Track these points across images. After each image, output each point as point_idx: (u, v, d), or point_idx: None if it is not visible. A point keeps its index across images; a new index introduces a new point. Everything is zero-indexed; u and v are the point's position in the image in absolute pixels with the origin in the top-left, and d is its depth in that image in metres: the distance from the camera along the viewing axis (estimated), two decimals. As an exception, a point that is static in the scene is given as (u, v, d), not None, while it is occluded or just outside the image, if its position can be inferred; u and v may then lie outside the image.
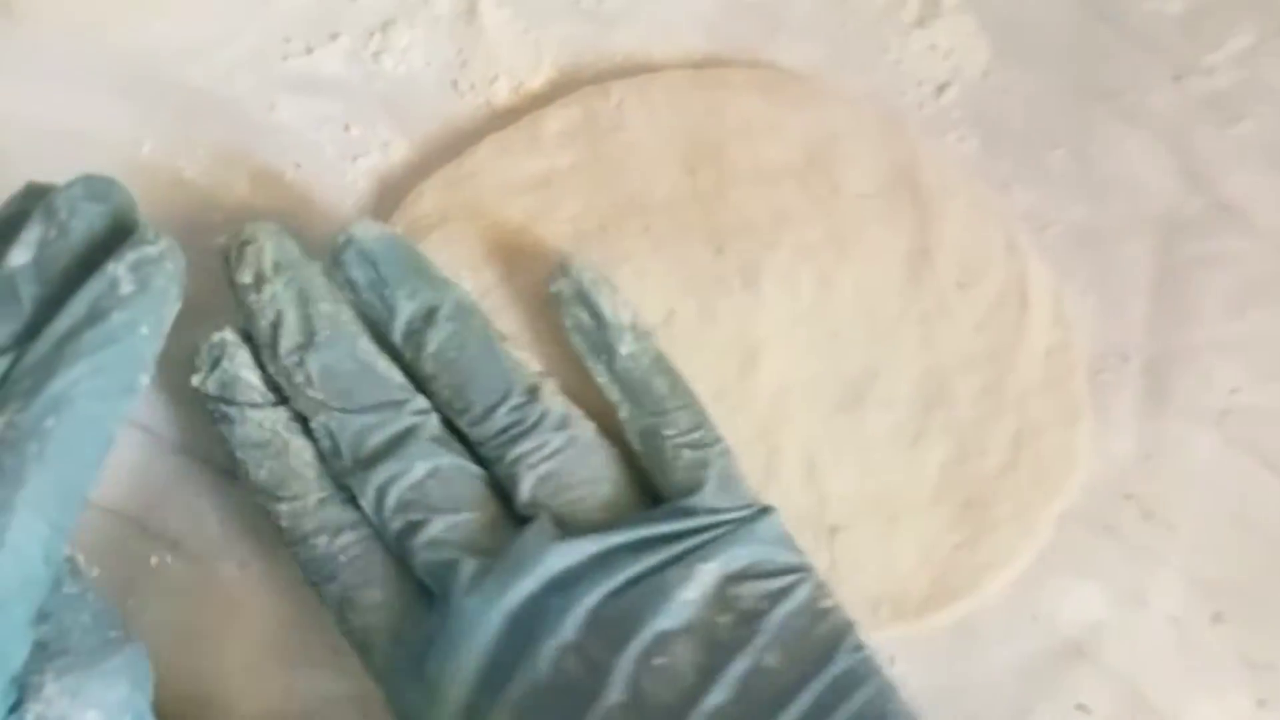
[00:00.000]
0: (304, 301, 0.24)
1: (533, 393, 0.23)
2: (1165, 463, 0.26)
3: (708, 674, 0.21)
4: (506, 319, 0.26)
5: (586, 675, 0.22)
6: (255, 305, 0.24)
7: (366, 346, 0.24)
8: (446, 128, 0.28)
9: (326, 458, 0.24)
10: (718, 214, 0.26)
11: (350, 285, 0.24)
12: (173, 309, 0.22)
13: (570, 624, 0.22)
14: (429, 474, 0.23)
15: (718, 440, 0.24)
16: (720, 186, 0.27)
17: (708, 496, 0.23)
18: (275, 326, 0.23)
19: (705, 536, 0.22)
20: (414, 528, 0.23)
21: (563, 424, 0.23)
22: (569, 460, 0.23)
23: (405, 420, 0.23)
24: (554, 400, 0.24)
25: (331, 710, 0.26)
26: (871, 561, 0.24)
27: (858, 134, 0.27)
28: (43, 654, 0.21)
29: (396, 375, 0.24)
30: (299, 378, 0.23)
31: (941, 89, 0.28)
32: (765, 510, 0.23)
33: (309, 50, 0.28)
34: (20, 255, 0.22)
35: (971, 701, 0.24)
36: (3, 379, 0.21)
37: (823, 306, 0.26)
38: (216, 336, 0.24)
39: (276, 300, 0.23)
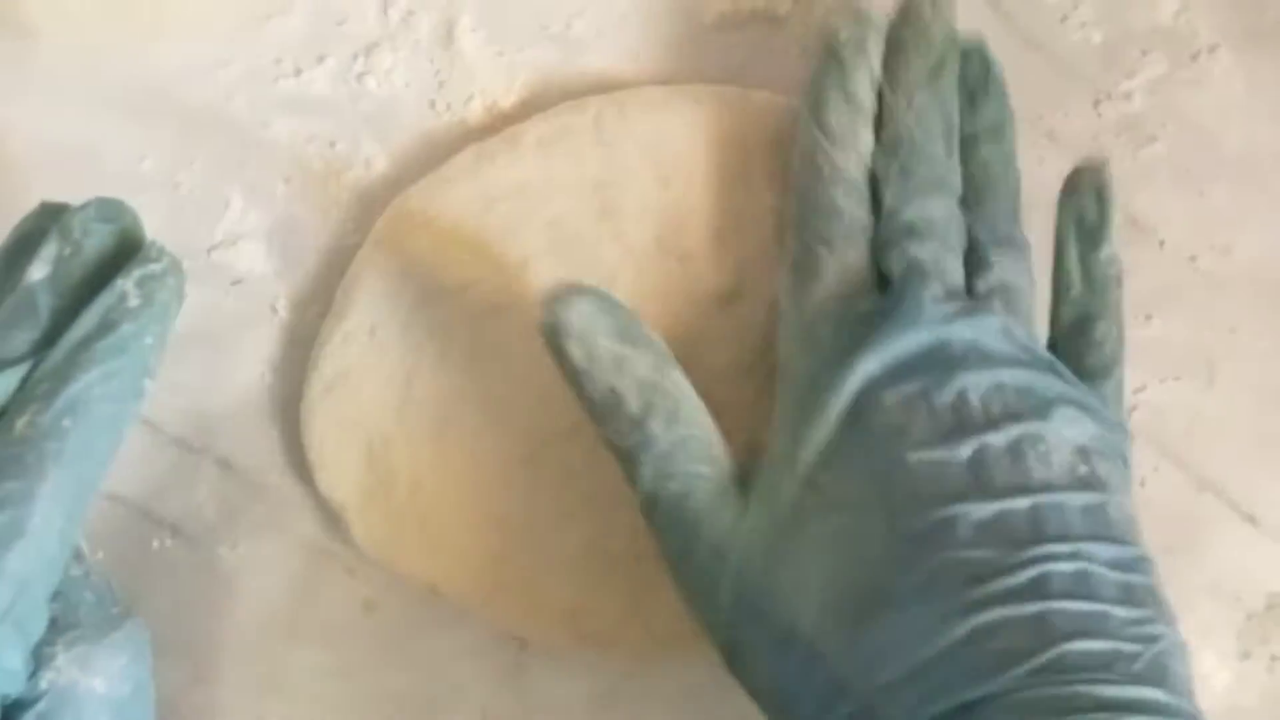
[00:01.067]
0: (953, 50, 0.26)
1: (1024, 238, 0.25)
2: None
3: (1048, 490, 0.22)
4: (490, 320, 0.27)
5: (983, 418, 0.23)
6: (917, 18, 0.26)
7: (956, 122, 0.26)
8: (424, 144, 0.29)
9: (878, 151, 0.25)
10: (688, 224, 0.28)
11: None
12: (174, 320, 0.24)
13: (986, 378, 0.23)
14: (946, 213, 0.25)
15: (1121, 372, 0.25)
16: (690, 198, 0.28)
17: (1107, 390, 0.25)
18: (918, 47, 0.25)
19: (1097, 411, 0.24)
20: (916, 234, 0.24)
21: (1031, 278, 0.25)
22: (1028, 288, 0.25)
23: (953, 182, 0.25)
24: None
25: (319, 681, 0.28)
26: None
27: None
28: (53, 628, 0.23)
29: (956, 160, 0.26)
30: (907, 95, 0.25)
31: None
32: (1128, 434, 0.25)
33: (298, 72, 0.29)
34: (38, 271, 0.23)
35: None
36: (23, 383, 0.23)
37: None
38: (870, 11, 0.26)
39: (934, 31, 0.25)
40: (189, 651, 0.28)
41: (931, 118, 0.25)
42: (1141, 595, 0.22)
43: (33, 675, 0.23)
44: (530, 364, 0.26)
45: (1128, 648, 0.21)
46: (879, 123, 0.26)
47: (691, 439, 0.24)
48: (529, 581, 0.27)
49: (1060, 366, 0.25)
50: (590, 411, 0.24)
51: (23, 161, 0.29)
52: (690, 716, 0.28)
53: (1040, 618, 0.21)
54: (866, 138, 0.25)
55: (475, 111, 0.29)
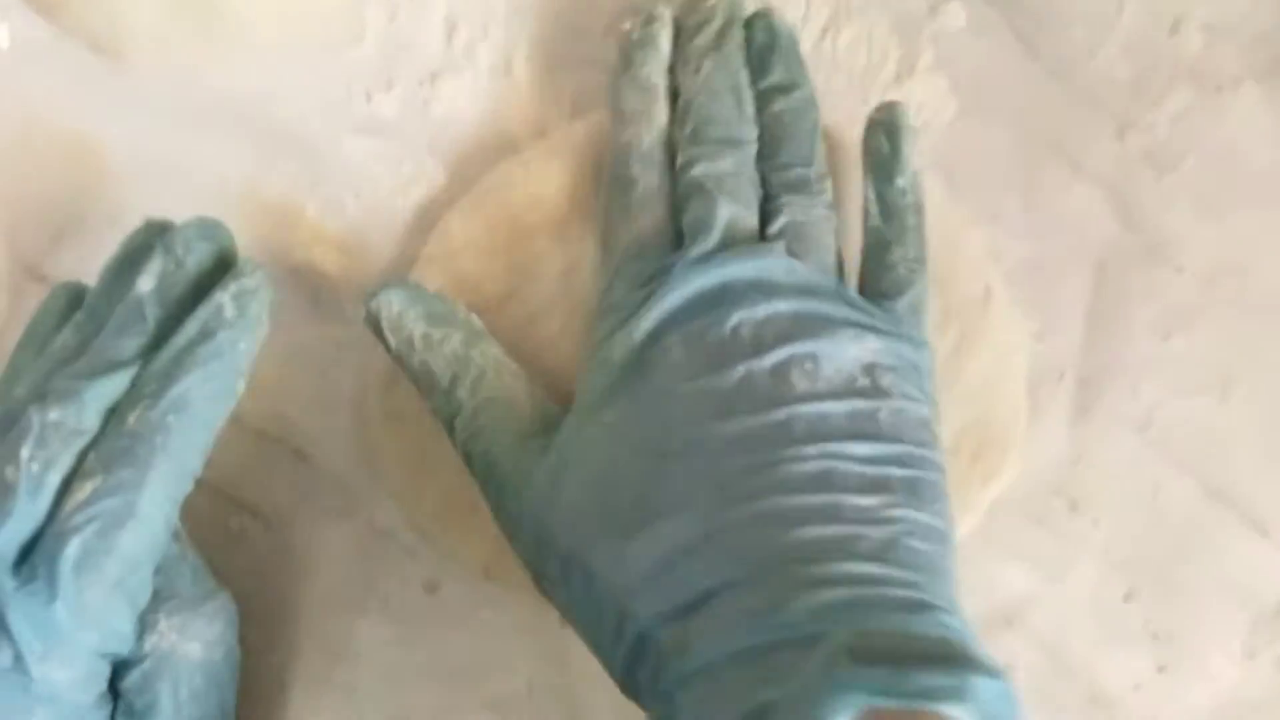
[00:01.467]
0: (732, 24, 0.28)
1: (820, 179, 0.27)
2: (1091, 465, 0.29)
3: (831, 397, 0.24)
4: (528, 327, 0.29)
5: (751, 346, 0.25)
6: (701, 9, 0.28)
7: (744, 84, 0.28)
8: (484, 164, 0.30)
9: (674, 124, 0.27)
10: None
11: None
12: (264, 329, 0.26)
13: (762, 310, 0.25)
14: (735, 168, 0.27)
15: (923, 281, 0.26)
16: None
17: (900, 307, 0.26)
18: (700, 25, 0.28)
19: (886, 329, 0.25)
20: (702, 189, 0.26)
21: (830, 208, 0.27)
22: (820, 224, 0.27)
23: (743, 138, 0.27)
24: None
25: (379, 650, 0.29)
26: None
27: (847, 166, 0.29)
28: (156, 599, 0.25)
29: (749, 117, 0.27)
30: (694, 66, 0.27)
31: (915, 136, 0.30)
32: (927, 347, 0.26)
33: (369, 98, 0.31)
34: (146, 283, 0.25)
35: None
36: (133, 383, 0.25)
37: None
38: (661, 9, 0.28)
39: (716, 9, 0.28)
40: (263, 622, 0.29)
41: (718, 82, 0.27)
42: (893, 485, 0.24)
43: (138, 639, 0.25)
44: (566, 364, 0.28)
45: (861, 530, 0.23)
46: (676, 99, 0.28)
47: (494, 401, 0.26)
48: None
49: (848, 293, 0.26)
50: (415, 386, 0.27)
51: (120, 173, 0.31)
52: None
53: (773, 512, 0.23)
54: (660, 115, 0.27)
55: (528, 132, 0.31)
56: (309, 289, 0.31)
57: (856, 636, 0.21)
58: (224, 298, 0.25)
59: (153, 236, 0.26)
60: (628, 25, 0.29)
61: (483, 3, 0.31)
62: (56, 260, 0.31)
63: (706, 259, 0.25)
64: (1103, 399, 0.29)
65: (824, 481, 0.23)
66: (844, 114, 0.30)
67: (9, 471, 0.24)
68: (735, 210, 0.26)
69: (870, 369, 0.25)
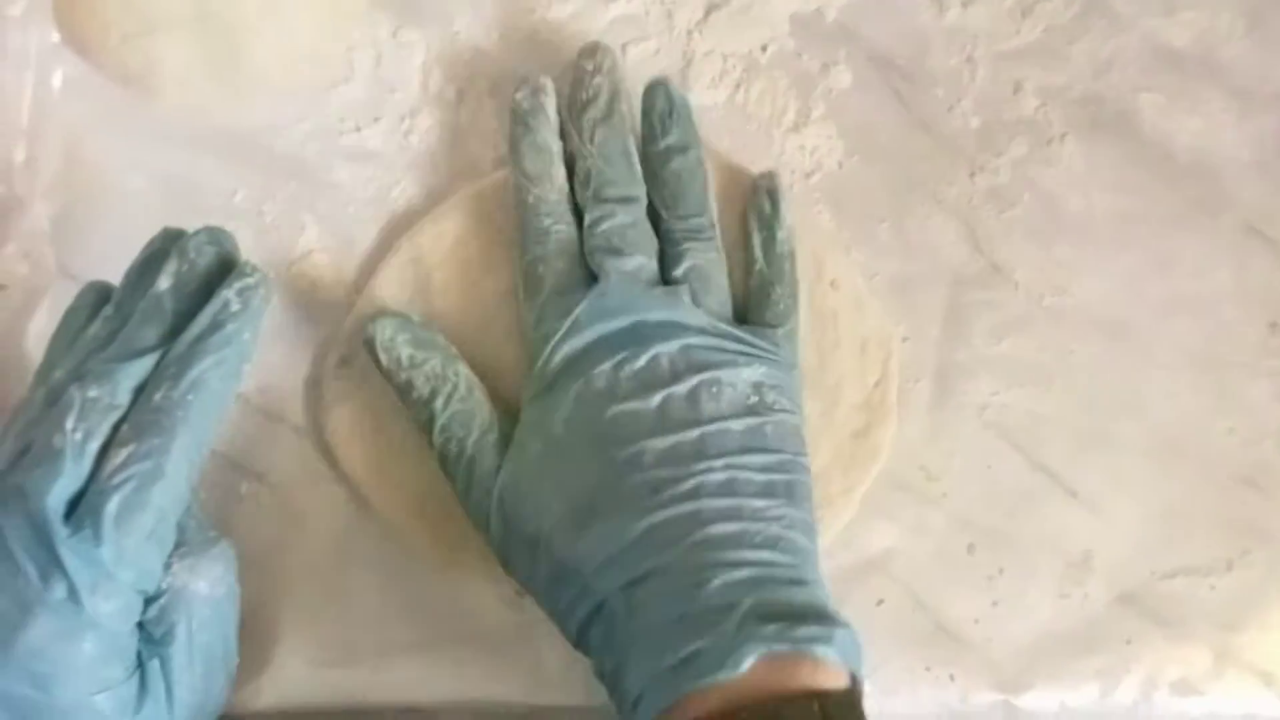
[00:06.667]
0: (617, 96, 0.30)
1: (711, 226, 0.30)
2: (943, 443, 0.32)
3: (718, 419, 0.27)
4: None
5: (669, 374, 0.28)
6: (587, 79, 0.30)
7: (631, 147, 0.30)
8: (453, 186, 0.33)
9: (575, 187, 0.30)
10: None
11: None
12: (264, 320, 0.28)
13: (675, 344, 0.28)
14: (633, 220, 0.29)
15: (797, 314, 0.30)
16: None
17: (779, 336, 0.29)
18: (591, 100, 0.30)
19: (769, 355, 0.29)
20: (609, 244, 0.29)
21: (719, 251, 0.30)
22: (715, 265, 0.30)
23: (637, 195, 0.30)
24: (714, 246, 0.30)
25: (366, 594, 0.31)
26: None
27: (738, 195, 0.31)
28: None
29: (639, 176, 0.30)
30: (589, 135, 0.30)
31: (808, 175, 0.33)
32: (798, 368, 0.29)
33: (359, 129, 0.33)
34: (164, 282, 0.27)
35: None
36: (156, 366, 0.26)
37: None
38: (544, 80, 0.31)
39: (602, 85, 0.30)
40: (266, 571, 0.30)
41: (611, 148, 0.30)
42: (778, 489, 0.27)
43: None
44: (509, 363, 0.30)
45: (756, 526, 0.26)
46: (571, 159, 0.30)
47: (464, 412, 0.29)
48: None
49: (739, 330, 0.29)
50: (400, 398, 0.30)
51: (144, 193, 0.33)
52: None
53: (694, 513, 0.26)
54: (559, 173, 0.30)
55: (492, 162, 0.33)
56: (304, 288, 0.33)
57: (757, 604, 0.25)
58: (229, 294, 0.27)
59: (169, 242, 0.28)
60: (519, 94, 0.31)
61: (453, 53, 0.34)
62: (86, 262, 0.32)
63: (616, 300, 0.28)
64: (953, 389, 0.32)
65: (729, 488, 0.27)
66: (751, 156, 0.33)
67: (57, 439, 0.25)
68: (639, 260, 0.29)
69: (758, 388, 0.28)
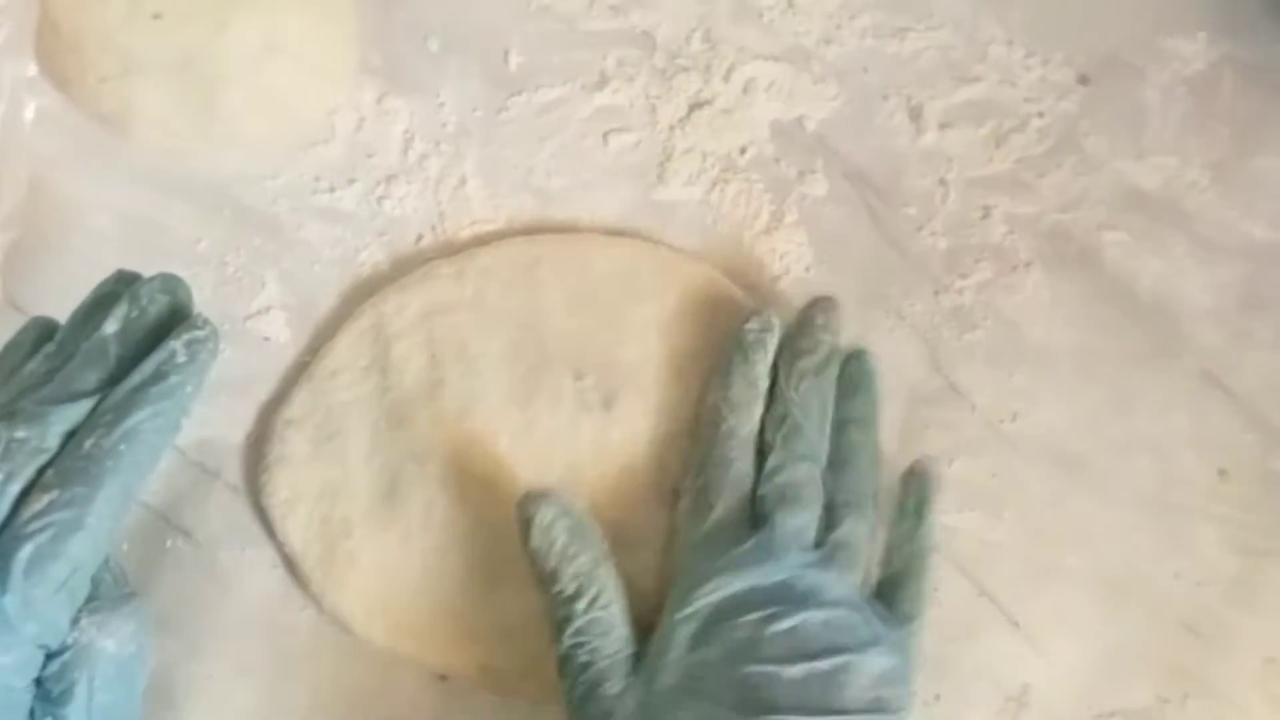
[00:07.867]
0: (834, 358, 0.30)
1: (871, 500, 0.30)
2: None
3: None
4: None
5: (811, 647, 0.27)
6: (815, 330, 0.30)
7: (830, 409, 0.30)
8: (420, 258, 0.33)
9: (764, 419, 0.30)
10: (584, 348, 0.31)
11: None
12: (209, 375, 0.27)
13: (821, 615, 0.27)
14: (808, 478, 0.29)
15: (925, 615, 0.29)
16: (589, 328, 0.31)
17: (907, 632, 0.28)
18: (808, 351, 0.30)
19: (900, 645, 0.28)
20: (783, 496, 0.29)
21: (872, 527, 0.30)
22: (863, 541, 0.29)
23: (819, 455, 0.30)
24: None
25: (291, 679, 0.29)
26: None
27: (713, 299, 0.32)
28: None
29: (827, 435, 0.30)
30: (796, 383, 0.30)
31: (776, 279, 0.33)
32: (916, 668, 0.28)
33: (332, 189, 0.33)
34: (111, 325, 0.27)
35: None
36: (92, 411, 0.26)
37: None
38: (775, 320, 0.30)
39: (824, 343, 0.30)
40: (185, 632, 0.30)
41: (811, 403, 0.30)
42: None
43: (63, 634, 0.26)
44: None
45: None
46: (770, 397, 0.30)
47: (603, 619, 0.28)
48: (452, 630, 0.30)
49: (873, 612, 0.28)
50: (537, 580, 0.29)
51: (106, 232, 0.32)
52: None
53: None
54: (758, 409, 0.30)
55: (465, 238, 0.33)
56: (257, 343, 0.32)
57: None
58: (177, 345, 0.26)
59: (121, 285, 0.27)
60: (750, 324, 0.30)
61: (437, 123, 0.34)
62: (35, 295, 0.32)
63: (778, 556, 0.28)
64: (906, 504, 0.30)
65: None
66: (722, 255, 0.33)
67: None
68: (805, 518, 0.29)
69: (882, 683, 0.27)
